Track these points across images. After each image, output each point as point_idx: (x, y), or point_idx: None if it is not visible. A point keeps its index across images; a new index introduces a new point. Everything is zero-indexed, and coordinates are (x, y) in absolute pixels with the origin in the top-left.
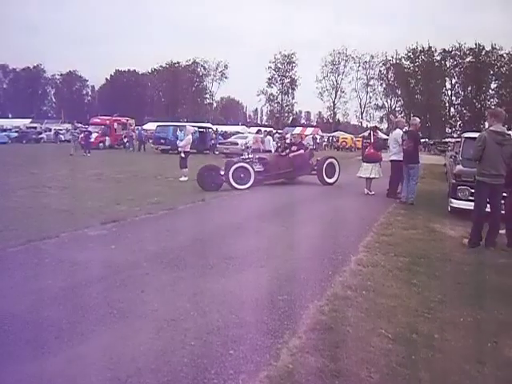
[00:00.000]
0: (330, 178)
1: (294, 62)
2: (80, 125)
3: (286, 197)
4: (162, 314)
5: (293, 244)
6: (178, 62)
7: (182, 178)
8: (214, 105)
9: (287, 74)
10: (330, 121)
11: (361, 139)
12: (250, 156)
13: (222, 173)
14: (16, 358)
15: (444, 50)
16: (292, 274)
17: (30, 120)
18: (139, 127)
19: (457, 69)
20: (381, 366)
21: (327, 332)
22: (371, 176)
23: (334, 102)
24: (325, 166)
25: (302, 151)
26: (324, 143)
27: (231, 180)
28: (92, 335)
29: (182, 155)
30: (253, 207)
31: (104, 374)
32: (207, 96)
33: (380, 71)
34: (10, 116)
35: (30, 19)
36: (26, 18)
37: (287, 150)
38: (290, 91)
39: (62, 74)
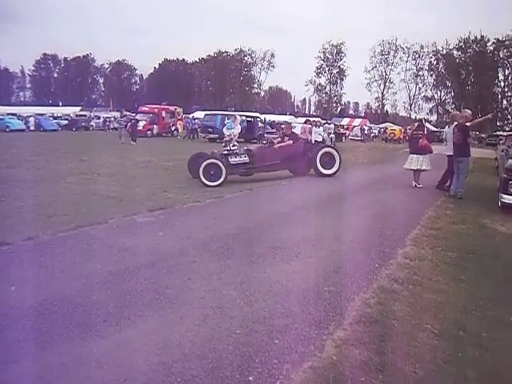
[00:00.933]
0: (328, 168)
1: (342, 52)
2: (128, 113)
3: (333, 188)
4: (209, 302)
5: (339, 235)
6: (226, 51)
7: None
8: (262, 94)
9: (335, 64)
10: (379, 112)
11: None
12: (234, 148)
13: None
14: (65, 340)
15: (497, 39)
16: (338, 266)
17: (79, 108)
18: (190, 116)
19: (510, 59)
20: (426, 362)
21: (372, 325)
22: (422, 168)
23: (382, 93)
24: (319, 156)
25: (290, 142)
26: (372, 134)
27: (201, 177)
28: (139, 320)
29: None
30: (300, 197)
31: (150, 358)
32: (255, 85)
33: (430, 62)
34: (60, 104)
35: (79, 10)
36: (76, 9)
37: (275, 141)
38: (339, 81)
39: (110, 63)
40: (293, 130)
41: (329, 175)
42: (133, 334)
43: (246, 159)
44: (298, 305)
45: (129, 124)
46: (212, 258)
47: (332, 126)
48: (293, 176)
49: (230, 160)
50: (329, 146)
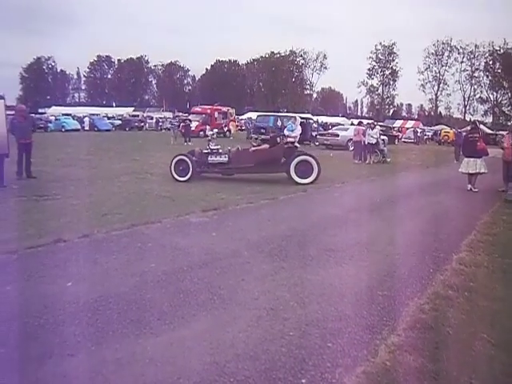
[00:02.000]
0: (303, 177)
1: (394, 53)
2: (180, 113)
3: (387, 191)
4: (262, 303)
5: (393, 239)
6: (279, 52)
7: None
8: (314, 95)
9: (388, 65)
10: (432, 114)
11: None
12: (217, 147)
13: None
14: (120, 336)
15: None
16: (392, 270)
17: (132, 108)
18: (247, 117)
19: None
20: (482, 373)
21: (427, 331)
22: (480, 171)
23: (436, 95)
24: (294, 164)
25: (266, 146)
26: (425, 137)
27: (172, 171)
28: (193, 319)
29: (297, 145)
30: (354, 200)
31: (203, 358)
32: (307, 86)
33: (486, 62)
34: (114, 105)
35: (133, 12)
36: (130, 11)
37: (255, 144)
38: (391, 83)
39: (163, 65)
40: (274, 134)
41: (303, 184)
42: (186, 332)
43: (225, 159)
44: (351, 308)
45: (181, 124)
46: (265, 260)
47: (376, 129)
48: (346, 180)
49: (209, 159)
50: (307, 154)
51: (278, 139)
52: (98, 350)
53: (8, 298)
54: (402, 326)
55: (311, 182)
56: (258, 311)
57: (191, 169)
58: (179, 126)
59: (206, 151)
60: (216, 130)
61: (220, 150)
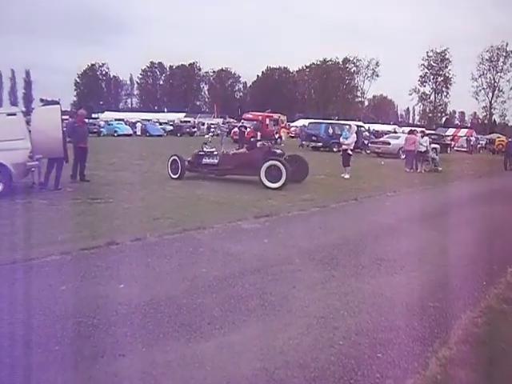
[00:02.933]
0: (273, 182)
1: (447, 59)
2: (231, 120)
3: (439, 200)
4: (312, 311)
5: (445, 249)
6: (331, 60)
7: (346, 176)
8: (366, 103)
9: (440, 72)
10: (486, 122)
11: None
12: (210, 150)
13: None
14: (171, 339)
15: None
16: (444, 281)
17: (184, 114)
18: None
19: None
20: None
21: (480, 346)
22: None
23: (490, 102)
24: (264, 168)
25: (243, 150)
26: (479, 146)
27: (169, 170)
28: (243, 325)
29: (350, 152)
30: (405, 209)
31: (253, 363)
32: (358, 93)
33: None
34: (165, 110)
35: (184, 20)
36: (181, 19)
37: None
38: (444, 90)
39: (214, 71)
40: (255, 139)
41: (272, 188)
42: (236, 338)
43: (215, 161)
44: (402, 319)
45: (233, 131)
46: (316, 267)
47: (426, 137)
48: (398, 189)
49: (203, 160)
50: (276, 159)
51: (258, 144)
52: (148, 351)
53: (62, 297)
54: (454, 339)
55: (279, 187)
56: (308, 319)
57: (180, 168)
58: (229, 132)
59: (200, 153)
60: (211, 134)
61: (215, 153)
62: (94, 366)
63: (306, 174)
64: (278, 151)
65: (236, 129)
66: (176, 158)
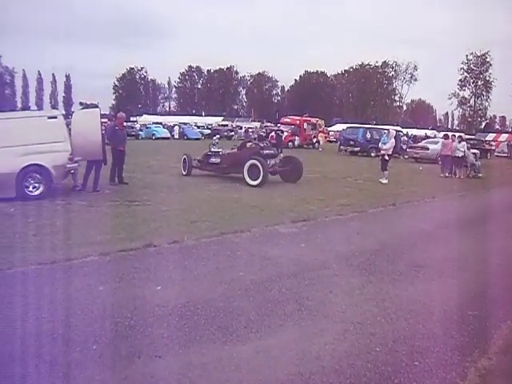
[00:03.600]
0: (254, 180)
1: (487, 63)
2: (269, 124)
3: (479, 207)
4: (349, 317)
5: (485, 257)
6: (369, 64)
7: (384, 181)
8: (404, 107)
9: (480, 76)
10: None
11: None
12: (217, 150)
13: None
14: (207, 342)
15: None
16: (484, 290)
17: (221, 118)
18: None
19: None
20: None
21: None
22: None
23: None
24: (247, 167)
25: (235, 150)
26: None
27: (181, 167)
28: (279, 329)
29: (386, 158)
30: (443, 215)
31: (288, 368)
32: (396, 98)
33: None
34: (203, 114)
35: (222, 24)
36: (219, 23)
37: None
38: (484, 94)
39: (252, 75)
40: (247, 139)
41: (253, 186)
42: (272, 342)
43: (218, 160)
44: (440, 327)
45: (271, 135)
46: (354, 273)
47: (463, 142)
48: (436, 194)
49: (209, 160)
50: (256, 159)
51: (248, 144)
52: (184, 353)
53: (100, 297)
54: (494, 350)
55: (258, 185)
56: (344, 324)
57: (188, 165)
58: (267, 136)
59: (208, 153)
60: (218, 136)
61: (220, 153)
62: (131, 367)
63: (300, 175)
64: (270, 151)
65: (273, 133)
66: (185, 156)
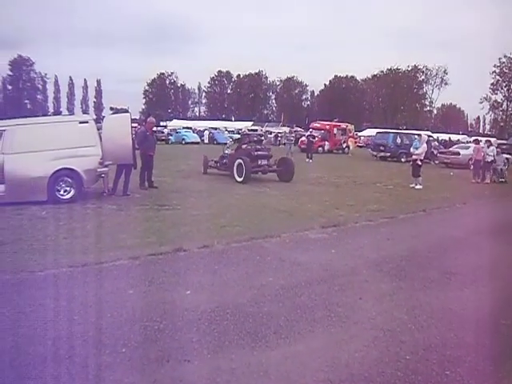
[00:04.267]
0: (240, 176)
1: None
2: (298, 128)
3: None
4: (379, 323)
5: None
6: (398, 69)
7: (417, 186)
8: (435, 112)
9: None
10: None
11: None
12: (229, 152)
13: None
14: (236, 347)
15: None
16: None
17: (251, 123)
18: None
19: None
20: None
21: None
22: None
23: None
24: (235, 165)
25: (232, 151)
26: None
27: (202, 166)
28: (309, 335)
29: (419, 163)
30: (475, 221)
31: (317, 375)
32: (426, 102)
33: None
34: (233, 119)
35: (251, 29)
36: (248, 29)
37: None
38: None
39: (281, 80)
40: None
41: (239, 182)
42: (302, 348)
43: (226, 161)
44: (472, 336)
45: (300, 140)
46: (384, 279)
47: (493, 147)
48: (468, 200)
49: (222, 161)
50: (241, 159)
51: (244, 146)
52: (213, 358)
53: (130, 301)
54: None
55: (242, 181)
56: (374, 331)
57: (204, 165)
58: (297, 141)
59: (222, 155)
60: (230, 141)
61: (228, 154)
62: (159, 370)
63: (292, 174)
64: (261, 153)
65: (303, 138)
66: (203, 157)
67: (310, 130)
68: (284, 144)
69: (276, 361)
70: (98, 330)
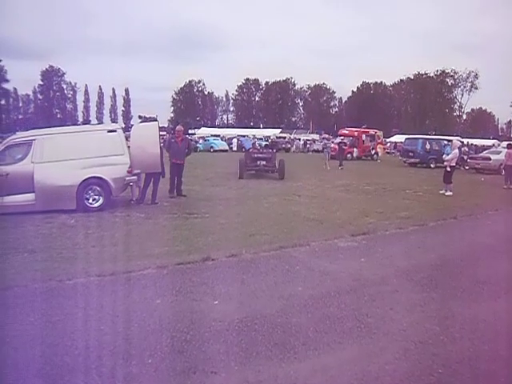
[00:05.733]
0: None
1: None
2: (327, 135)
3: None
4: (410, 335)
5: None
6: (426, 73)
7: (448, 193)
8: (464, 117)
9: None
10: None
11: None
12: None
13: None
14: (264, 358)
15: None
16: None
17: (279, 130)
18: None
19: None
20: None
21: None
22: None
23: None
24: (237, 164)
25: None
26: None
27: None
28: (338, 347)
29: (448, 169)
30: (508, 228)
31: None
32: (456, 107)
33: None
34: (261, 126)
35: (278, 36)
36: (275, 36)
37: None
38: None
39: (309, 87)
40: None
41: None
42: (331, 360)
43: None
44: (506, 348)
45: (331, 146)
46: (415, 289)
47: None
48: (500, 207)
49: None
50: (239, 159)
51: (251, 150)
52: (240, 370)
53: (157, 311)
54: None
55: (239, 177)
56: (405, 343)
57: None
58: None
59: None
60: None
61: None
62: (186, 382)
63: (283, 172)
64: (261, 155)
65: (333, 145)
66: (239, 160)
67: (341, 137)
68: (316, 151)
69: (304, 373)
70: (125, 341)
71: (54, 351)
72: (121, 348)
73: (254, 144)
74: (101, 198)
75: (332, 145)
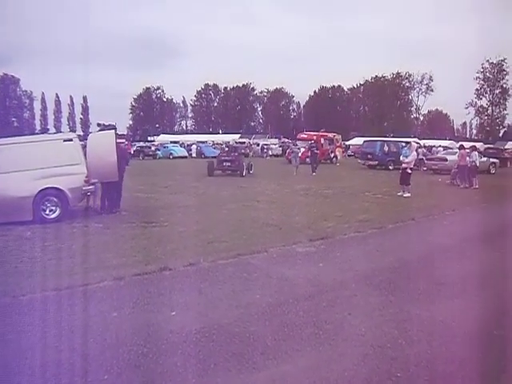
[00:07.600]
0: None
1: (504, 70)
2: (286, 140)
3: (501, 219)
4: (369, 340)
5: (510, 273)
6: (383, 76)
7: (406, 194)
8: (421, 119)
9: (497, 84)
10: None
11: None
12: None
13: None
14: (222, 369)
15: None
16: (510, 307)
17: (239, 135)
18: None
19: None
20: None
21: None
22: None
23: None
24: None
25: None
26: None
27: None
28: (296, 355)
29: (409, 171)
30: (465, 228)
31: None
32: (413, 109)
33: None
34: (220, 132)
35: (237, 42)
36: (234, 41)
37: None
38: (501, 102)
39: (268, 91)
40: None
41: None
42: (289, 369)
43: None
44: (464, 349)
45: (302, 152)
46: (373, 293)
47: (474, 153)
48: (457, 207)
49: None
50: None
51: (220, 153)
52: (198, 382)
53: (114, 324)
54: None
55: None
56: (364, 348)
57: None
58: (284, 152)
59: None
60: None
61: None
62: None
63: (242, 170)
64: (227, 158)
65: (303, 149)
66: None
67: (311, 142)
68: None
69: (263, 383)
70: (81, 357)
71: (5, 372)
72: (77, 365)
73: (222, 149)
74: (58, 209)
75: (302, 150)
